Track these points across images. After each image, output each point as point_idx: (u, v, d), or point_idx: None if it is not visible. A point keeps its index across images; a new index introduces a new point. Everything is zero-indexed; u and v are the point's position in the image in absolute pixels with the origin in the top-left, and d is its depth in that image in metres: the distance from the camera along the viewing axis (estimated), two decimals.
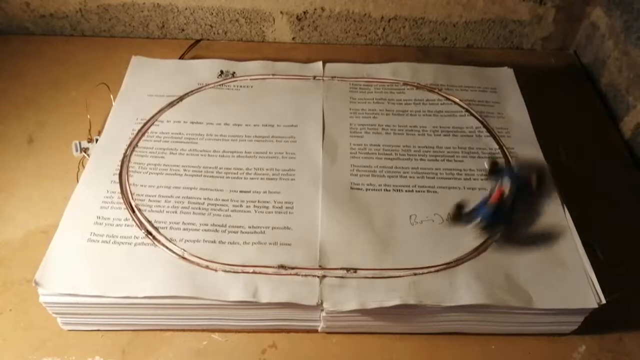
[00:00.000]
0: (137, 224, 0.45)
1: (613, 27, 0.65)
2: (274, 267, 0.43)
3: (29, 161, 0.56)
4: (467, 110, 0.57)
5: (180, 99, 0.57)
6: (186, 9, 0.70)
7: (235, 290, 0.41)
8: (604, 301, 0.42)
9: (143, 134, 0.53)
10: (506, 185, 0.46)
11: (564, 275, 0.43)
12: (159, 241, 0.44)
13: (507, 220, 0.45)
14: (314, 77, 0.60)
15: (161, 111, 0.56)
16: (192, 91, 0.58)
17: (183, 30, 0.72)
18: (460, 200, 0.46)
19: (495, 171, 0.48)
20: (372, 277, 0.43)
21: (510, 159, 0.52)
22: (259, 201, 0.48)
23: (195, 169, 0.50)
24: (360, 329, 0.44)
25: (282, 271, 0.43)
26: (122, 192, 0.48)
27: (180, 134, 0.54)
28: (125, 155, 0.51)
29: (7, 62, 0.67)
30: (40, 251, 0.43)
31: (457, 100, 0.58)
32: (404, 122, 0.56)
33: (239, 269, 0.43)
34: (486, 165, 0.49)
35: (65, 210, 0.46)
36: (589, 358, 0.44)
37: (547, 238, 0.46)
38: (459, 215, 0.45)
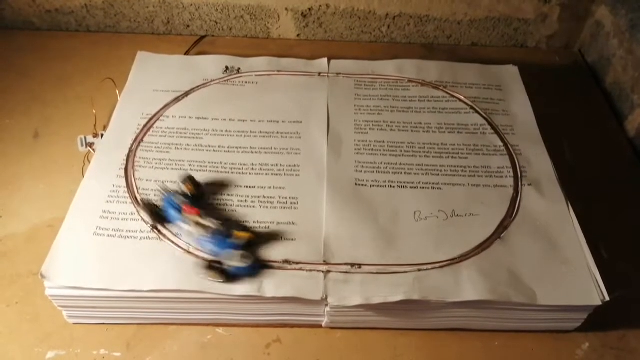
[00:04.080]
0: (142, 218, 0.46)
1: (618, 25, 0.65)
2: (278, 262, 0.43)
3: (34, 156, 0.57)
4: (471, 108, 0.57)
5: (186, 94, 0.57)
6: (191, 5, 0.70)
7: (240, 284, 0.42)
8: (607, 298, 0.42)
9: (148, 129, 0.54)
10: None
11: (567, 273, 0.43)
12: (164, 235, 0.44)
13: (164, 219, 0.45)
14: (319, 74, 0.60)
15: (166, 106, 0.56)
16: (197, 87, 0.58)
17: (188, 26, 0.72)
18: None
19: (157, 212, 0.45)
20: (377, 273, 0.43)
21: (514, 154, 0.52)
22: (264, 197, 0.48)
23: (200, 164, 0.50)
24: (364, 325, 0.44)
25: (287, 266, 0.43)
26: (127, 186, 0.48)
27: (185, 129, 0.54)
28: (130, 150, 0.51)
29: (13, 58, 0.68)
30: (46, 245, 0.43)
31: (462, 98, 0.58)
32: (408, 119, 0.56)
33: None
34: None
35: (71, 204, 0.47)
36: (592, 355, 0.44)
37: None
38: None
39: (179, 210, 0.44)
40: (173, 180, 0.49)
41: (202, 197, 0.47)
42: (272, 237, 0.45)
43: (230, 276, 0.42)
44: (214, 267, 0.42)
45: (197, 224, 0.43)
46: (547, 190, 0.49)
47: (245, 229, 0.45)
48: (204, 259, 0.43)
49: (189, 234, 0.44)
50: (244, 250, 0.43)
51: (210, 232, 0.43)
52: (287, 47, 0.72)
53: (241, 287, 0.41)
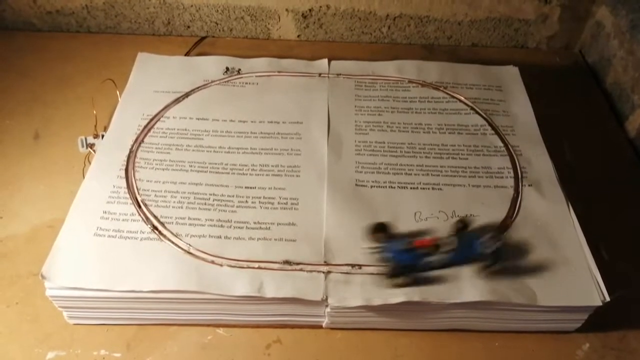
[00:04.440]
0: (143, 219, 0.46)
1: (618, 26, 0.65)
2: (279, 262, 0.43)
3: (35, 157, 0.57)
4: (472, 108, 0.57)
5: (186, 95, 0.57)
6: (192, 6, 0.70)
7: (240, 285, 0.42)
8: (608, 299, 0.42)
9: (149, 130, 0.54)
10: (451, 244, 0.43)
11: (568, 273, 0.43)
12: (164, 236, 0.45)
13: (415, 268, 0.43)
14: (320, 75, 0.60)
15: (167, 107, 0.56)
16: (197, 88, 0.58)
17: (188, 27, 0.72)
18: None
19: (458, 230, 0.45)
20: (377, 274, 0.43)
21: (514, 155, 0.52)
22: (264, 197, 0.48)
23: (201, 164, 0.50)
24: (364, 325, 0.44)
25: (287, 267, 0.43)
26: (128, 187, 0.48)
27: (186, 130, 0.54)
28: (131, 151, 0.51)
29: (13, 58, 0.68)
30: (46, 245, 0.43)
31: (462, 98, 0.58)
32: (409, 119, 0.56)
33: (244, 264, 0.43)
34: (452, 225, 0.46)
35: (72, 205, 0.47)
36: (592, 356, 0.44)
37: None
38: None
39: (413, 249, 0.43)
40: (173, 180, 0.49)
41: (387, 229, 0.45)
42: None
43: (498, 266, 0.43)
44: (491, 265, 0.42)
45: (437, 247, 0.43)
46: (547, 191, 0.49)
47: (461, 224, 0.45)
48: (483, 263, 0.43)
49: (442, 262, 0.43)
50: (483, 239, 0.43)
51: (455, 244, 0.43)
52: (287, 47, 0.72)
53: (241, 288, 0.41)
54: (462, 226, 0.45)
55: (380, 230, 0.45)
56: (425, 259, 0.43)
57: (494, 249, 0.43)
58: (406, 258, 0.43)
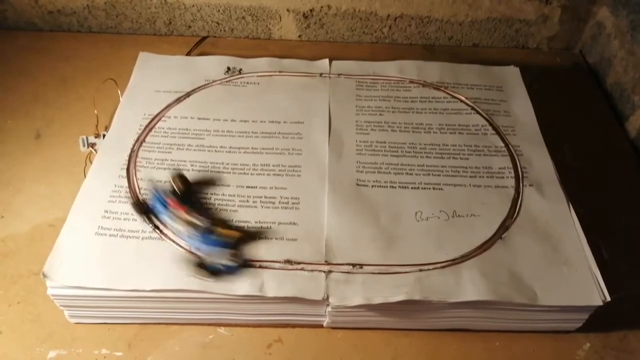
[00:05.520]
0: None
1: (619, 26, 0.65)
2: (280, 262, 0.43)
3: (36, 156, 0.57)
4: (472, 108, 0.57)
5: (188, 95, 0.57)
6: (193, 6, 0.70)
7: (241, 284, 0.42)
8: (608, 299, 0.42)
9: (150, 130, 0.54)
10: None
11: (569, 273, 0.43)
12: (166, 235, 0.45)
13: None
14: (321, 75, 0.60)
15: (168, 107, 0.56)
16: (199, 87, 0.58)
17: (190, 27, 0.73)
18: None
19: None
20: (378, 273, 0.43)
21: (515, 155, 0.52)
22: (265, 197, 0.48)
23: (202, 164, 0.50)
24: (365, 325, 0.45)
25: (289, 266, 0.43)
26: (129, 186, 0.48)
27: (187, 129, 0.54)
28: (132, 151, 0.51)
29: (15, 58, 0.68)
30: (48, 245, 0.44)
31: (463, 98, 0.58)
32: (410, 119, 0.56)
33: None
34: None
35: (73, 204, 0.47)
36: (593, 356, 0.44)
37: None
38: None
39: (165, 205, 0.45)
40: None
41: (191, 195, 0.47)
42: (259, 235, 0.45)
43: (217, 274, 0.42)
44: (204, 266, 0.42)
45: (185, 221, 0.44)
46: (548, 191, 0.49)
47: (233, 227, 0.45)
48: (197, 256, 0.43)
49: (178, 231, 0.44)
50: (233, 249, 0.43)
51: (199, 230, 0.43)
52: (288, 47, 0.72)
53: (243, 287, 0.41)
54: (231, 228, 0.45)
55: (179, 180, 0.47)
56: (166, 216, 0.45)
57: (220, 260, 0.42)
58: (155, 204, 0.46)
